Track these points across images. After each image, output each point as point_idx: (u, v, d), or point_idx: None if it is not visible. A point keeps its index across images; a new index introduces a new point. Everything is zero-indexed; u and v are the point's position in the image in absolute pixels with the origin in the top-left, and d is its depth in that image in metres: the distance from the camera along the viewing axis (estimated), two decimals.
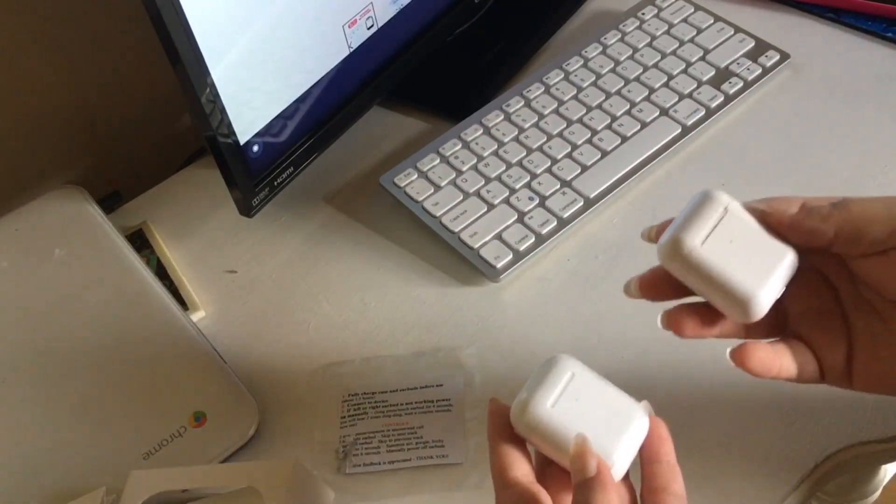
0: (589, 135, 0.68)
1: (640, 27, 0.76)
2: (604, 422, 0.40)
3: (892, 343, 0.41)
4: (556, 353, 0.42)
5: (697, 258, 0.40)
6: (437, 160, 0.69)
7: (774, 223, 0.41)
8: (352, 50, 0.66)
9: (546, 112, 0.70)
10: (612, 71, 0.73)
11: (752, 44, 0.73)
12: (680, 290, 0.43)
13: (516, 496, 0.38)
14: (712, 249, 0.40)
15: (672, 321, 0.43)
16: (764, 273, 0.40)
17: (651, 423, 0.40)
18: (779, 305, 0.42)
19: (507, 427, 0.41)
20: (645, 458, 0.40)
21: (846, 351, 0.42)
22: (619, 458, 0.39)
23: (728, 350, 0.42)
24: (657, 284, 0.43)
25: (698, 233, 0.41)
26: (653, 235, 0.43)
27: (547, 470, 0.41)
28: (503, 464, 0.39)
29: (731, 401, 0.54)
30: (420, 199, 0.66)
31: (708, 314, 0.42)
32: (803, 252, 0.42)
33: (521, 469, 0.39)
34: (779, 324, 0.44)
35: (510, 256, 0.62)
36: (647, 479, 0.39)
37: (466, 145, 0.69)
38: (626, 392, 0.41)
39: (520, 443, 0.41)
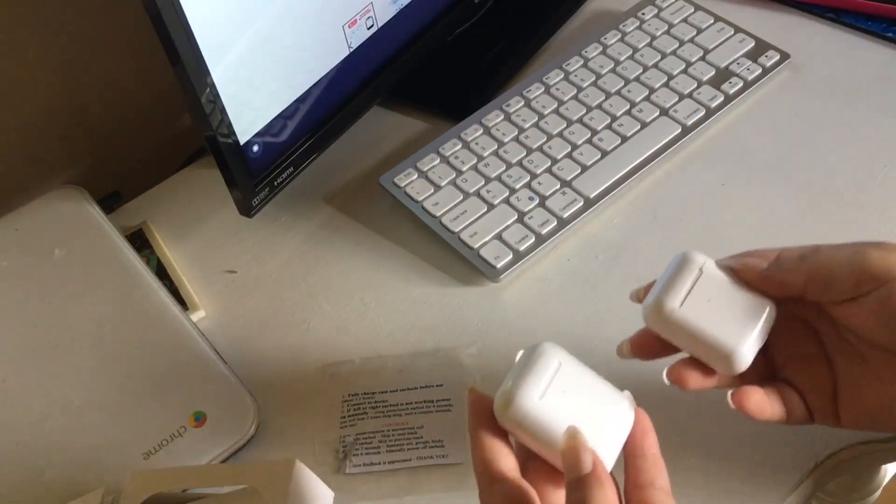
0: (589, 135, 0.68)
1: (640, 27, 0.76)
2: (591, 415, 0.39)
3: (873, 383, 0.42)
4: (540, 342, 0.41)
5: (678, 319, 0.43)
6: (437, 160, 0.69)
7: (747, 279, 0.43)
8: (352, 50, 0.66)
9: (546, 112, 0.70)
10: (612, 71, 0.73)
11: (752, 44, 0.73)
12: (668, 347, 0.45)
13: (504, 492, 0.37)
14: (691, 309, 0.43)
15: (675, 376, 0.44)
16: (743, 327, 0.42)
17: (635, 416, 0.40)
18: (765, 353, 0.44)
19: (490, 419, 0.40)
20: (629, 451, 0.40)
21: (831, 392, 0.44)
22: (607, 452, 0.39)
23: (729, 393, 0.44)
24: (646, 344, 0.46)
25: (677, 295, 0.43)
26: (641, 296, 0.46)
27: (530, 464, 0.40)
28: (488, 458, 0.39)
29: None
30: (420, 199, 0.66)
31: (705, 367, 0.44)
32: (781, 301, 0.44)
33: (508, 463, 0.39)
34: (767, 371, 0.46)
35: (510, 256, 0.62)
36: (631, 474, 0.39)
37: (466, 145, 0.69)
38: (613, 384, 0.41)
39: (503, 435, 0.40)
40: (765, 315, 0.43)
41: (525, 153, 0.68)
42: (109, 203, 0.72)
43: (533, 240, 0.63)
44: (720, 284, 0.43)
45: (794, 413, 0.44)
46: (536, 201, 0.65)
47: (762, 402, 0.43)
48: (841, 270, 0.41)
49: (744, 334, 0.42)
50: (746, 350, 0.42)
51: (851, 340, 0.43)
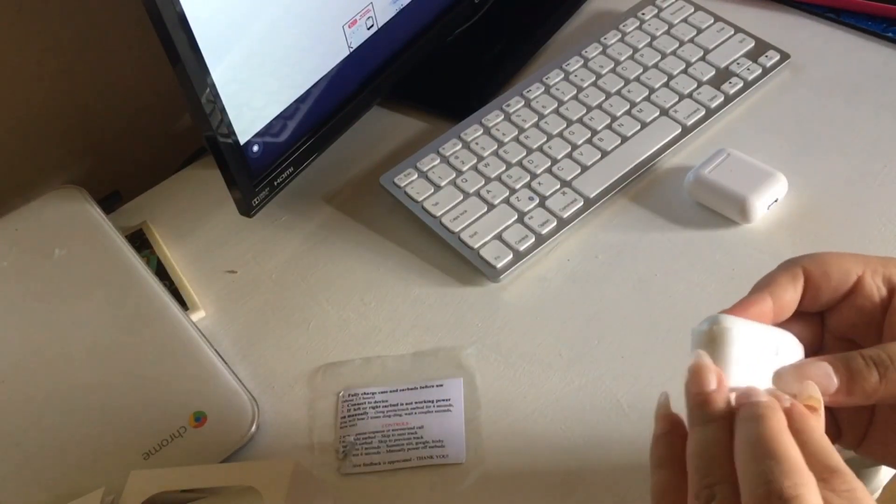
0: (589, 135, 0.68)
1: (640, 27, 0.76)
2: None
3: None
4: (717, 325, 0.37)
5: None
6: (437, 160, 0.69)
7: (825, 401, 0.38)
8: (352, 50, 0.66)
9: (546, 112, 0.70)
10: (613, 71, 0.73)
11: (752, 44, 0.73)
12: None
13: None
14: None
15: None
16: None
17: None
18: None
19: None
20: None
21: (865, 429, 0.42)
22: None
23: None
24: None
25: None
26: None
27: None
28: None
29: None
30: (420, 199, 0.66)
31: None
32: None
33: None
34: None
35: (510, 256, 0.62)
36: None
37: (466, 145, 0.69)
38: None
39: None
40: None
41: (525, 153, 0.68)
42: (109, 203, 0.72)
43: (533, 240, 0.63)
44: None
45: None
46: (536, 201, 0.65)
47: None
48: None
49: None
50: None
51: None
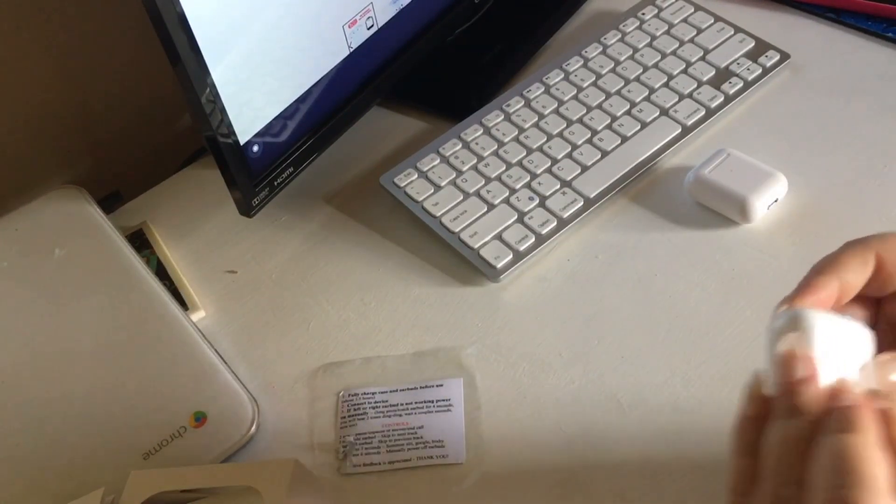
0: (589, 135, 0.68)
1: (640, 27, 0.76)
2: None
3: None
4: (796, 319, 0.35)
5: None
6: (437, 160, 0.69)
7: None
8: (352, 50, 0.66)
9: (546, 112, 0.70)
10: (613, 71, 0.73)
11: (752, 44, 0.73)
12: None
13: None
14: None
15: None
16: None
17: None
18: None
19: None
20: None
21: None
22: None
23: None
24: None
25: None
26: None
27: None
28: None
29: (731, 399, 0.54)
30: (420, 199, 0.66)
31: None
32: None
33: None
34: None
35: (510, 256, 0.62)
36: None
37: (466, 145, 0.69)
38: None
39: None
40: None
41: (525, 153, 0.68)
42: (109, 203, 0.72)
43: (533, 240, 0.63)
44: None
45: None
46: (536, 201, 0.65)
47: None
48: None
49: None
50: None
51: None
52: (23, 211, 0.68)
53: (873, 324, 0.39)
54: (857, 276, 0.37)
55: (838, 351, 0.34)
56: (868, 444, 0.31)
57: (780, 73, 0.72)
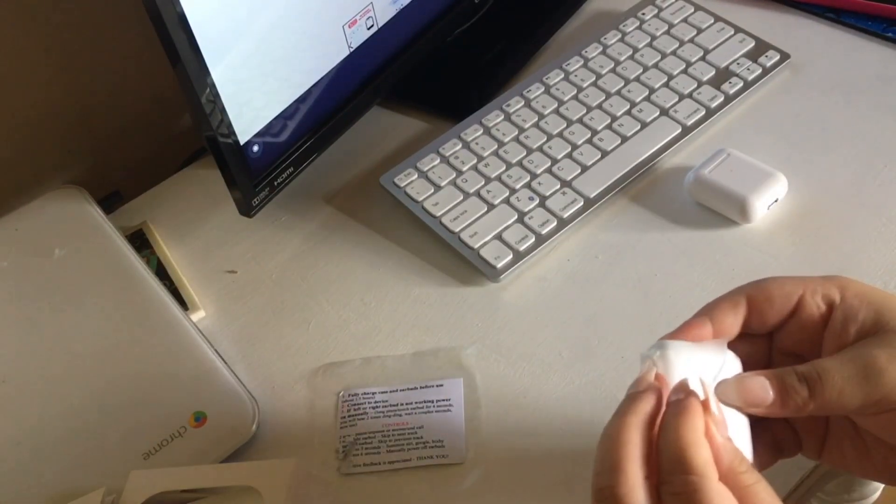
0: (589, 135, 0.68)
1: (640, 27, 0.76)
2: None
3: (856, 447, 0.43)
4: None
5: None
6: (437, 160, 0.69)
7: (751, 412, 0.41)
8: (352, 50, 0.66)
9: (546, 112, 0.70)
10: (613, 71, 0.73)
11: (752, 44, 0.73)
12: None
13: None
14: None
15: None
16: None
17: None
18: None
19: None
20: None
21: (822, 439, 0.44)
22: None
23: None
24: None
25: None
26: None
27: None
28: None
29: None
30: (420, 199, 0.66)
31: None
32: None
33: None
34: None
35: (510, 256, 0.62)
36: None
37: (466, 145, 0.69)
38: None
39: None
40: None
41: (525, 153, 0.68)
42: (109, 203, 0.72)
43: (533, 240, 0.63)
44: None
45: (788, 449, 0.44)
46: (536, 201, 0.65)
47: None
48: (853, 400, 0.39)
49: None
50: None
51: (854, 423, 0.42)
52: (23, 211, 0.68)
53: (768, 356, 0.44)
54: (728, 317, 0.43)
55: (692, 368, 0.39)
56: (628, 423, 0.37)
57: (780, 73, 0.72)
